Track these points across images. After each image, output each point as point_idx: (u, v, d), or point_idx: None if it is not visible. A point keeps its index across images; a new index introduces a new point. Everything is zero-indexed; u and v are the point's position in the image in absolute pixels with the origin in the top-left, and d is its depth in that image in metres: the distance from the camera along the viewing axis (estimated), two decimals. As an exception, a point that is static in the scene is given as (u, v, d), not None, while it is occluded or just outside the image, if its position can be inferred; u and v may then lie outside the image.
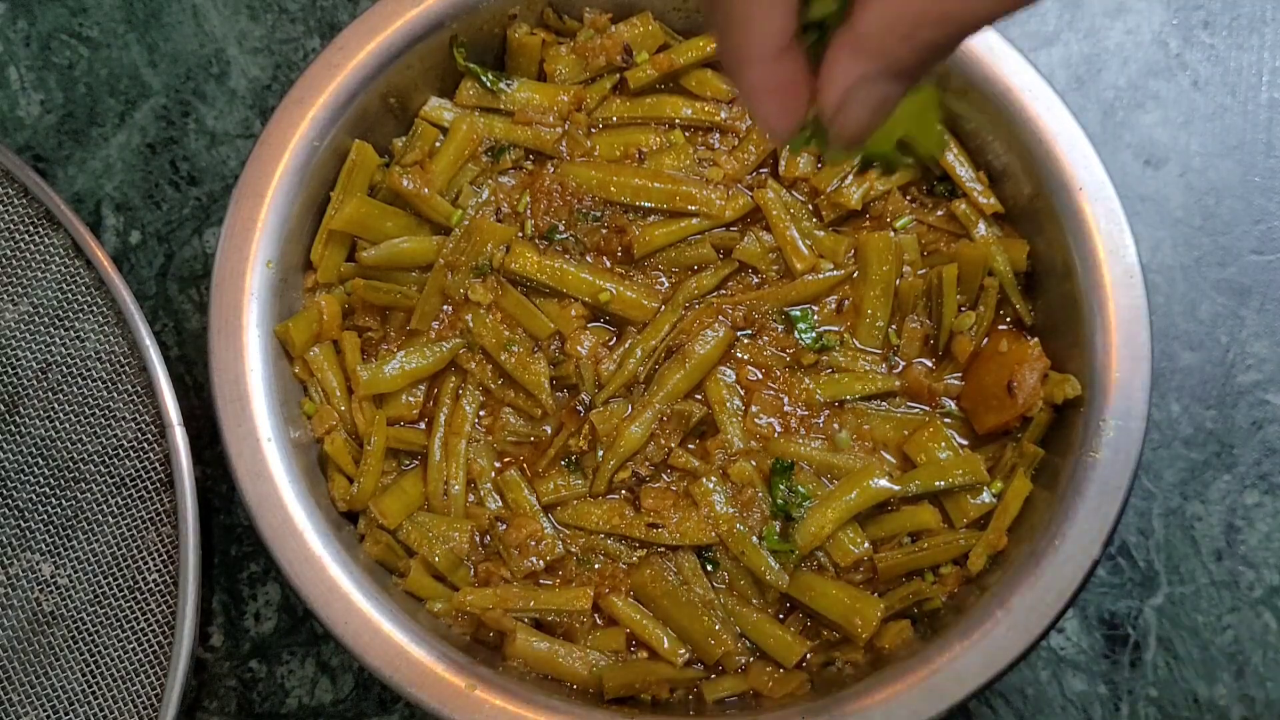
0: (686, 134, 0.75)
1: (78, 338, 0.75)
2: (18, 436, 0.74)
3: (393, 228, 0.70)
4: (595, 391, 0.70)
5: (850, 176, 0.73)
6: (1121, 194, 0.69)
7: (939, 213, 0.74)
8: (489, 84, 0.74)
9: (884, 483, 0.68)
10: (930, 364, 0.73)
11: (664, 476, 0.70)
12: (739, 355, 0.72)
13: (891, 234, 0.72)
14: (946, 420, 0.71)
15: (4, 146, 0.77)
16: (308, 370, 0.70)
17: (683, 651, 0.67)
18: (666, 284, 0.73)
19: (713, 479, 0.69)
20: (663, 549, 0.69)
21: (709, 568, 0.69)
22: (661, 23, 0.75)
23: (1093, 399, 0.67)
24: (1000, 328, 0.72)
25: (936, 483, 0.69)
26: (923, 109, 0.41)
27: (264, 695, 0.75)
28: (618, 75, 0.74)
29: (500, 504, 0.70)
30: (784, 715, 0.63)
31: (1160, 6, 0.84)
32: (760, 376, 0.72)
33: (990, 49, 0.70)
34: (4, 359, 0.75)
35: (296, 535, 0.64)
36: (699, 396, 0.71)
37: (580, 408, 0.70)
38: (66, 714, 0.71)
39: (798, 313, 0.72)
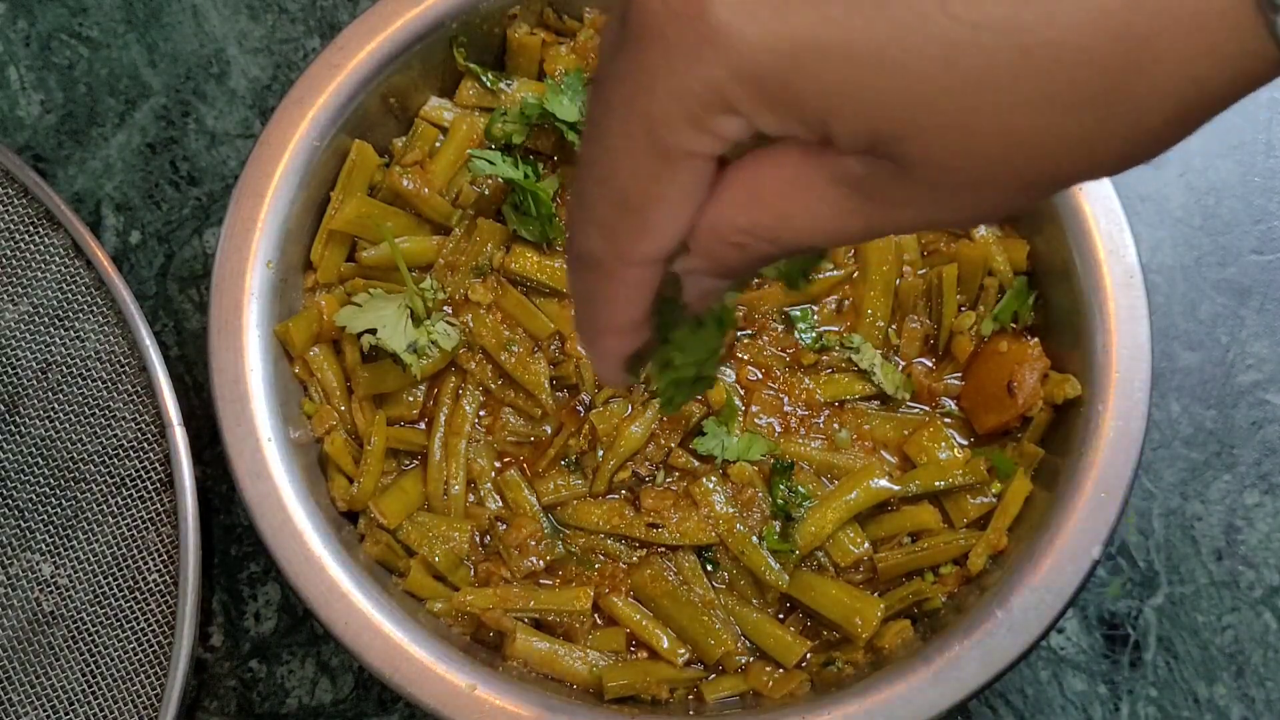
0: None
1: (78, 338, 0.75)
2: (18, 436, 0.74)
3: (393, 227, 0.70)
4: (595, 391, 0.70)
5: None
6: (1121, 194, 0.69)
7: None
8: (489, 84, 0.74)
9: (884, 483, 0.68)
10: (930, 364, 0.73)
11: (664, 476, 0.70)
12: (739, 355, 0.72)
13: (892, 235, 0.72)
14: (947, 420, 0.71)
15: (4, 146, 0.77)
16: (308, 370, 0.70)
17: (682, 651, 0.67)
18: None
19: (713, 479, 0.69)
20: (663, 549, 0.69)
21: (709, 568, 0.69)
22: None
23: (1092, 399, 0.67)
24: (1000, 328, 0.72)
25: (937, 483, 0.69)
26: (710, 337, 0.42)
27: (264, 695, 0.74)
28: None
29: (500, 504, 0.70)
30: (783, 715, 0.63)
31: (1160, 6, 0.83)
32: (760, 376, 0.72)
33: None
34: (4, 359, 0.75)
35: (296, 535, 0.64)
36: (699, 397, 0.71)
37: (580, 408, 0.70)
38: (66, 714, 0.71)
39: (797, 313, 0.72)
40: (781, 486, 0.68)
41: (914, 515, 0.69)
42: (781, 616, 0.69)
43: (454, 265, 0.71)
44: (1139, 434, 0.66)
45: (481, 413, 0.71)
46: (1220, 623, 0.75)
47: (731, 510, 0.68)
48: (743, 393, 0.71)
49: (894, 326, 0.73)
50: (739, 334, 0.72)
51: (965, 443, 0.71)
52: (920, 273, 0.73)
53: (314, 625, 0.75)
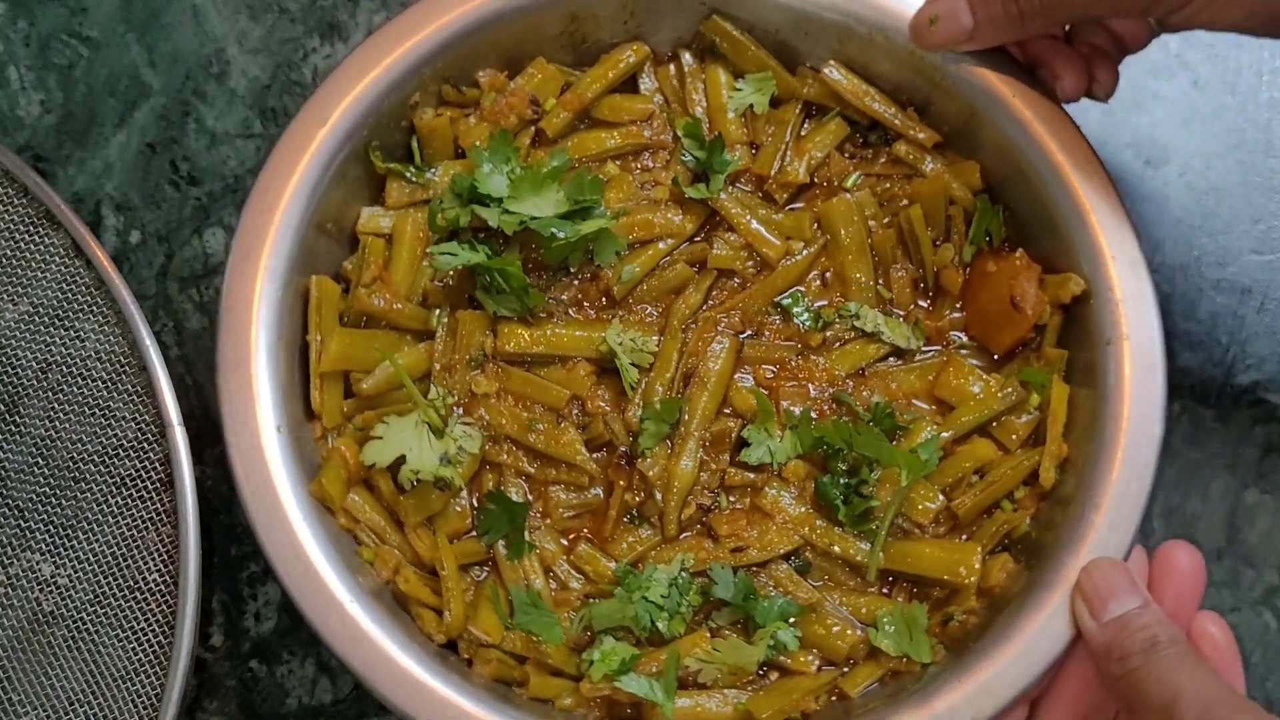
0: (618, 163, 0.74)
1: (78, 338, 0.75)
2: (18, 436, 0.74)
3: (379, 350, 0.69)
4: (630, 441, 0.69)
5: (789, 153, 0.73)
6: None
7: (882, 160, 0.74)
8: (414, 178, 0.72)
9: (934, 432, 0.69)
10: (927, 305, 0.73)
11: (727, 499, 0.70)
12: (749, 357, 0.72)
13: (846, 195, 0.73)
14: (963, 353, 0.72)
15: (4, 146, 0.77)
16: (351, 519, 0.68)
17: (810, 657, 0.67)
18: (656, 314, 0.72)
19: (774, 486, 0.69)
20: (755, 568, 0.68)
21: (804, 570, 0.69)
22: (556, 63, 0.74)
23: (1096, 285, 0.67)
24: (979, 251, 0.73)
25: (985, 414, 0.69)
26: None
27: (264, 695, 0.74)
28: (532, 129, 0.73)
29: (583, 580, 0.69)
30: (931, 686, 0.63)
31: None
32: (776, 371, 0.72)
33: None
34: (4, 359, 0.75)
35: (412, 681, 0.62)
36: (728, 411, 0.71)
37: (622, 461, 0.69)
38: (66, 714, 0.71)
39: (788, 300, 0.73)
40: (842, 467, 0.68)
41: (971, 452, 0.69)
42: (886, 593, 0.69)
43: (449, 366, 0.70)
44: (1151, 299, 0.66)
45: (530, 498, 0.70)
46: (1220, 622, 0.75)
47: (804, 509, 0.68)
48: (766, 393, 0.71)
49: (881, 281, 0.73)
50: (742, 337, 0.72)
51: (982, 365, 0.71)
52: (885, 223, 0.73)
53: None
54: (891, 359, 0.72)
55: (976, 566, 0.66)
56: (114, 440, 0.74)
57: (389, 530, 0.68)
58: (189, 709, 0.74)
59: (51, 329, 0.75)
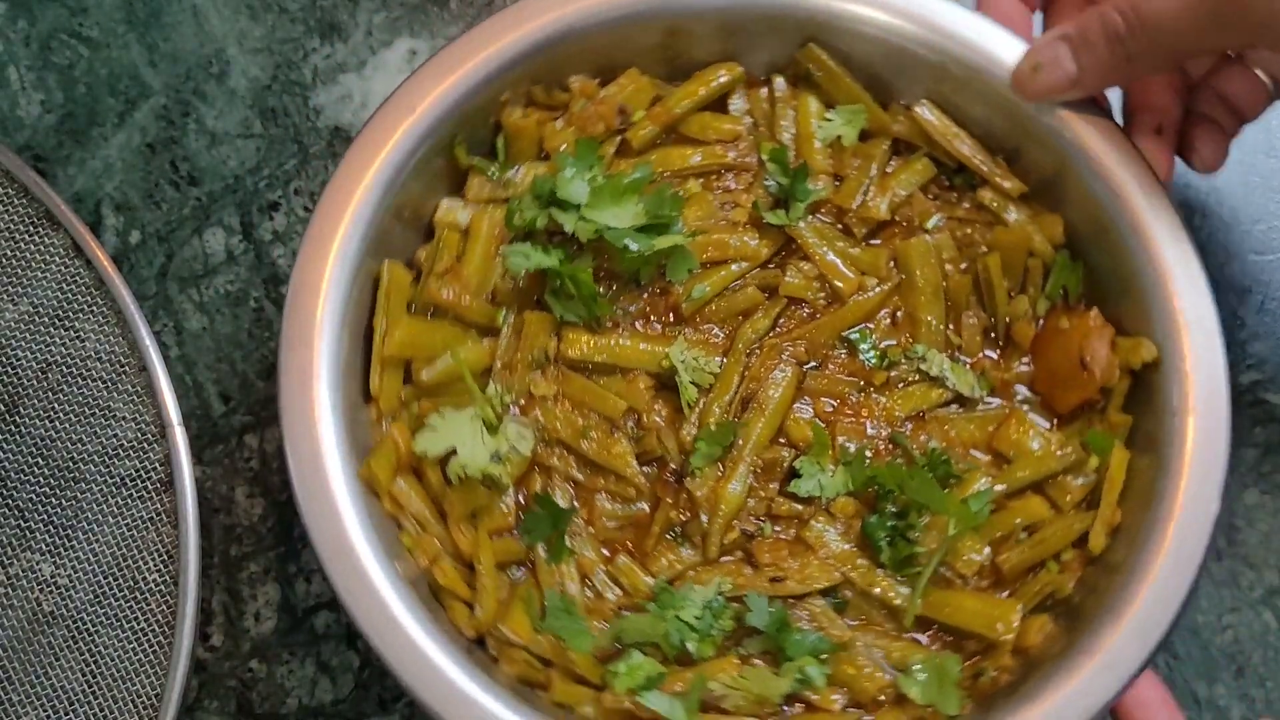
0: (701, 181, 0.74)
1: (78, 338, 0.75)
2: (18, 436, 0.74)
3: (442, 341, 0.69)
4: (682, 459, 0.69)
5: (872, 189, 0.73)
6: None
7: (965, 205, 0.74)
8: (495, 176, 0.72)
9: (988, 484, 0.68)
10: (995, 355, 0.73)
11: (771, 527, 0.69)
12: (810, 388, 0.71)
13: (925, 236, 0.72)
14: (1025, 407, 0.71)
15: (4, 146, 0.77)
16: (397, 505, 0.67)
17: (836, 697, 0.66)
18: (721, 335, 0.72)
19: (820, 519, 0.68)
20: (791, 600, 0.68)
21: (840, 608, 0.68)
22: (649, 75, 0.74)
23: (1168, 352, 0.66)
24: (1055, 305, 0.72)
25: (1041, 472, 0.68)
26: None
27: (264, 695, 0.74)
28: (618, 138, 0.73)
29: (620, 593, 0.69)
30: None
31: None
32: (836, 405, 0.71)
33: (980, 35, 0.70)
34: (4, 359, 0.75)
35: (435, 671, 0.62)
36: (783, 440, 0.71)
37: (670, 478, 0.69)
38: (66, 714, 0.71)
39: (856, 335, 0.72)
40: (890, 509, 0.68)
41: (1023, 509, 0.68)
42: (920, 639, 0.68)
43: (510, 365, 0.70)
44: (1222, 373, 0.65)
45: (575, 504, 0.70)
46: (1220, 623, 0.75)
47: (848, 546, 0.68)
48: (823, 426, 0.70)
49: (951, 326, 0.72)
50: (805, 368, 0.71)
51: (1048, 425, 0.70)
52: (963, 267, 0.73)
53: (314, 625, 0.75)
54: (953, 405, 0.71)
55: (1014, 624, 0.65)
56: (114, 440, 0.74)
57: (432, 521, 0.68)
58: (189, 709, 0.74)
59: (51, 329, 0.75)
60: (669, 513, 0.69)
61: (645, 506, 0.69)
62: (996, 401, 0.72)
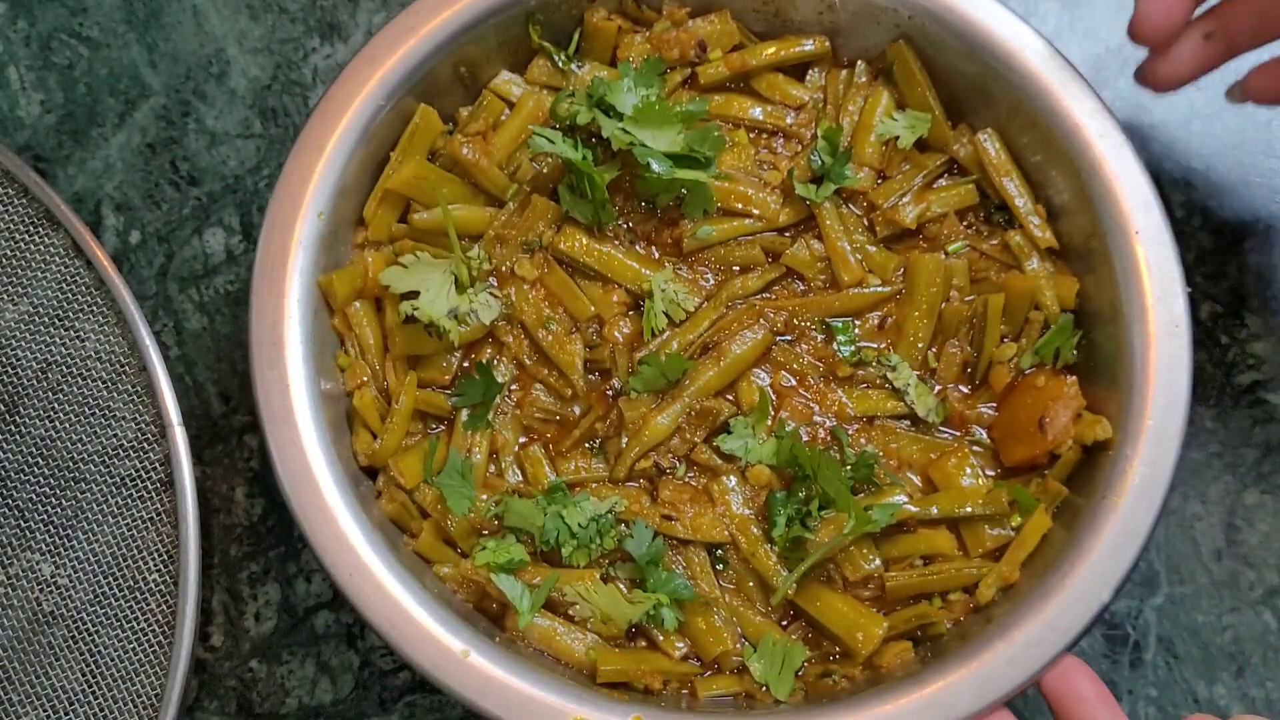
0: (751, 135, 0.75)
1: (78, 338, 0.75)
2: (18, 436, 0.75)
3: (448, 194, 0.71)
4: (627, 379, 0.70)
5: (909, 195, 0.73)
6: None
7: (993, 241, 0.73)
8: (561, 64, 0.74)
9: (902, 501, 0.68)
10: (965, 390, 0.72)
11: (685, 470, 0.70)
12: (776, 359, 0.72)
13: (943, 257, 0.72)
14: (975, 448, 0.71)
15: (4, 146, 0.77)
16: (346, 324, 0.70)
17: (681, 645, 0.67)
18: (712, 280, 0.73)
19: (733, 478, 0.69)
20: (675, 541, 0.69)
21: (719, 566, 0.69)
22: (740, 23, 0.75)
23: (1122, 443, 0.66)
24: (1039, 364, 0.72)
25: (957, 509, 0.68)
26: None
27: (264, 695, 0.75)
28: (689, 70, 0.75)
29: (520, 478, 0.70)
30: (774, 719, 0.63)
31: (1160, 6, 0.83)
32: (794, 383, 0.71)
33: (1064, 85, 0.70)
34: (4, 359, 0.76)
35: (313, 484, 0.65)
36: (730, 396, 0.71)
37: (610, 393, 0.71)
38: (66, 714, 0.71)
39: (839, 324, 0.72)
40: (801, 494, 0.68)
41: (930, 539, 0.68)
42: (784, 623, 0.69)
43: (503, 238, 0.71)
44: (1164, 484, 0.65)
45: (513, 386, 0.71)
46: (1220, 623, 0.75)
47: (747, 512, 0.68)
48: (774, 397, 0.71)
49: (934, 350, 0.72)
50: (777, 338, 0.72)
51: (991, 473, 0.70)
52: (967, 299, 0.72)
53: (314, 625, 0.75)
54: (906, 422, 0.71)
55: (875, 640, 0.66)
56: (114, 440, 0.74)
57: (373, 352, 0.70)
58: (189, 709, 0.74)
59: (51, 329, 0.75)
60: (595, 423, 0.70)
61: (577, 411, 0.71)
62: (949, 434, 0.71)
